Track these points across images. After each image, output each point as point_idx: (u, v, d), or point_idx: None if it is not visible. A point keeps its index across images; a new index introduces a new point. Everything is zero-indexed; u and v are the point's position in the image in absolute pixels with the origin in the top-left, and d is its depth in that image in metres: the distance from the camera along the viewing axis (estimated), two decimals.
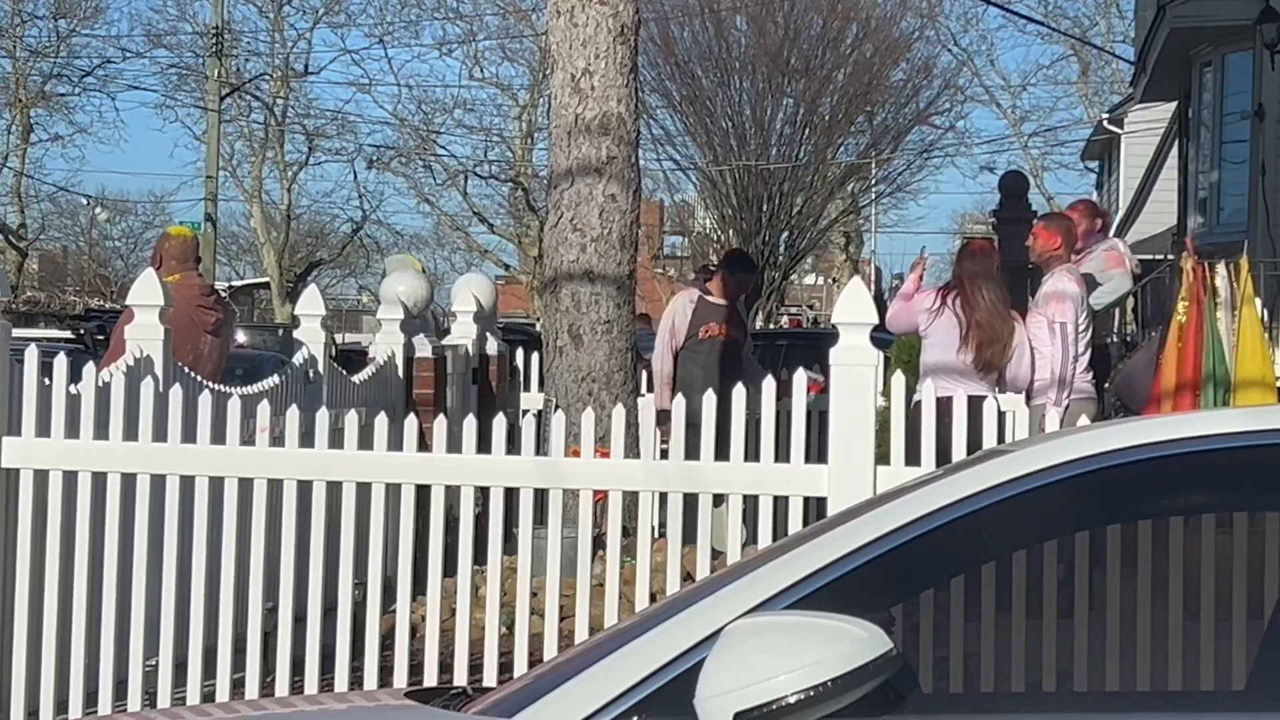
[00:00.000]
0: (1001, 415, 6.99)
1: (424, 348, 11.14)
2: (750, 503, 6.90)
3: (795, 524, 6.75)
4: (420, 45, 67.84)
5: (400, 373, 11.00)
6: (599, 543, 7.37)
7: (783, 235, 37.23)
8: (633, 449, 8.94)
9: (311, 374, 9.67)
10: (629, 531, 7.40)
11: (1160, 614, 3.15)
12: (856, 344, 6.66)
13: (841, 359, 6.66)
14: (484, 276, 14.27)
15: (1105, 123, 35.45)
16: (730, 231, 36.52)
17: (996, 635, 3.17)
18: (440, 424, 6.93)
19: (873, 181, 41.49)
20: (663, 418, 8.28)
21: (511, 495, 6.90)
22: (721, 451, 6.77)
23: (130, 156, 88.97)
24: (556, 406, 9.82)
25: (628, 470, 6.83)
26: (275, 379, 9.18)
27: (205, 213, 42.65)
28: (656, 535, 7.41)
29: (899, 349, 12.24)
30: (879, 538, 3.19)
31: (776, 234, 36.71)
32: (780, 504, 6.77)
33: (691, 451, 6.80)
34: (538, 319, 34.88)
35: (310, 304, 10.04)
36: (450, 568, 7.01)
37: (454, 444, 6.91)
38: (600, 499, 7.20)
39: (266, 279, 50.23)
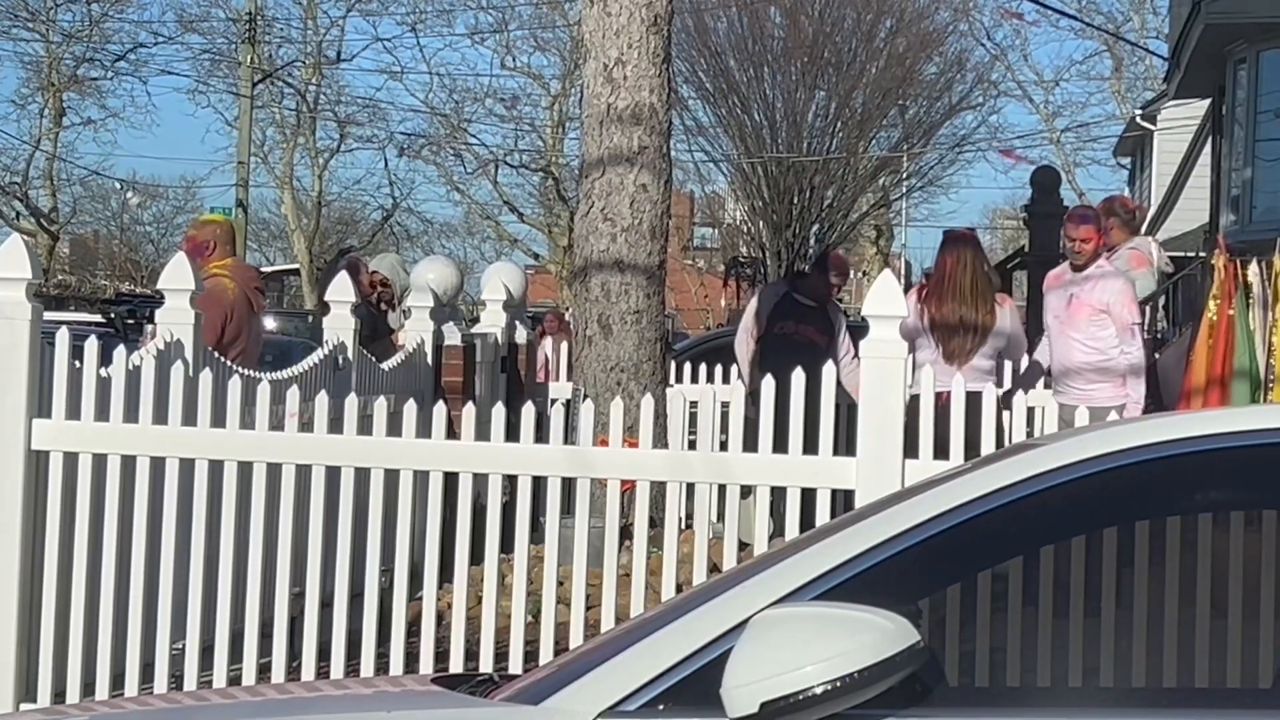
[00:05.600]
0: (973, 399, 6.93)
1: (453, 335, 11.15)
2: (778, 495, 6.89)
3: (823, 517, 6.74)
4: (453, 34, 67.77)
5: (429, 360, 11.01)
6: (626, 533, 7.36)
7: (813, 228, 37.16)
8: (660, 440, 8.94)
9: (341, 360, 9.68)
10: (656, 522, 7.40)
11: (1187, 611, 3.14)
12: (886, 337, 6.64)
13: (871, 351, 6.64)
14: (514, 265, 14.28)
15: (1138, 119, 35.31)
16: (761, 224, 36.47)
17: (1023, 629, 3.16)
18: (469, 412, 6.92)
19: (904, 175, 41.42)
20: (751, 399, 8.09)
21: (539, 484, 6.90)
22: (778, 446, 6.76)
23: (162, 141, 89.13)
24: (585, 396, 9.84)
25: (654, 461, 6.82)
26: (305, 364, 9.20)
27: (237, 198, 42.75)
28: (683, 526, 7.41)
29: None
30: (907, 530, 3.18)
31: (807, 227, 36.64)
32: (808, 496, 6.75)
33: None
34: (567, 309, 34.88)
35: (340, 290, 10.04)
36: (476, 556, 7.01)
37: (482, 432, 6.91)
38: (628, 488, 7.19)
39: (296, 265, 50.30)
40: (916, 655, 3.01)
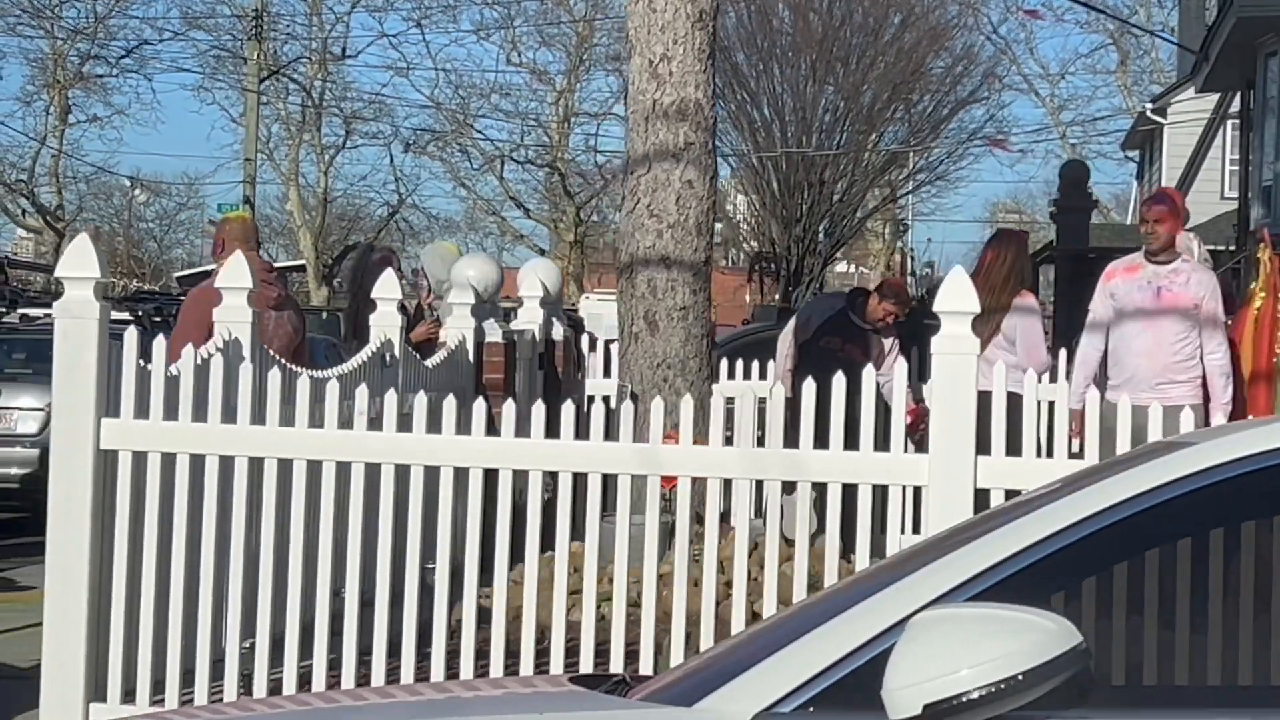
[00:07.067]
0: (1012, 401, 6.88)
1: (494, 332, 11.14)
2: (819, 490, 6.86)
3: (894, 513, 6.75)
4: (458, 30, 67.81)
5: (470, 357, 11.00)
6: (672, 530, 7.34)
7: (822, 223, 37.16)
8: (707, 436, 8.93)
9: (388, 358, 9.66)
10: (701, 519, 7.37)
11: None
12: (958, 333, 6.64)
13: (943, 348, 6.64)
14: (549, 262, 14.27)
15: (1149, 112, 35.30)
16: (770, 219, 36.46)
17: (1180, 628, 3.15)
18: (538, 410, 6.92)
19: (912, 170, 41.42)
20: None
21: (579, 480, 6.89)
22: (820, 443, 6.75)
23: (166, 139, 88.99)
24: (632, 393, 9.83)
25: (726, 458, 6.82)
26: (355, 362, 9.18)
27: (244, 195, 42.72)
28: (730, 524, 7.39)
29: None
30: (1062, 530, 3.18)
31: (816, 222, 36.63)
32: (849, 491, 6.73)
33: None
34: (575, 305, 34.84)
35: (386, 288, 10.02)
36: (518, 554, 7.01)
37: (522, 429, 6.89)
38: (670, 486, 7.17)
39: (301, 262, 50.25)
40: (1079, 657, 3.00)
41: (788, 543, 7.20)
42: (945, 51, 39.36)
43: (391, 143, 49.60)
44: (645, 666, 6.73)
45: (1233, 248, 17.90)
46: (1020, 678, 2.97)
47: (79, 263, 6.95)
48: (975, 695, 2.98)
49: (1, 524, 15.85)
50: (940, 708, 2.99)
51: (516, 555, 7.00)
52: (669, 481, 7.09)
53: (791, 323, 12.27)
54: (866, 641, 3.14)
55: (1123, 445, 6.58)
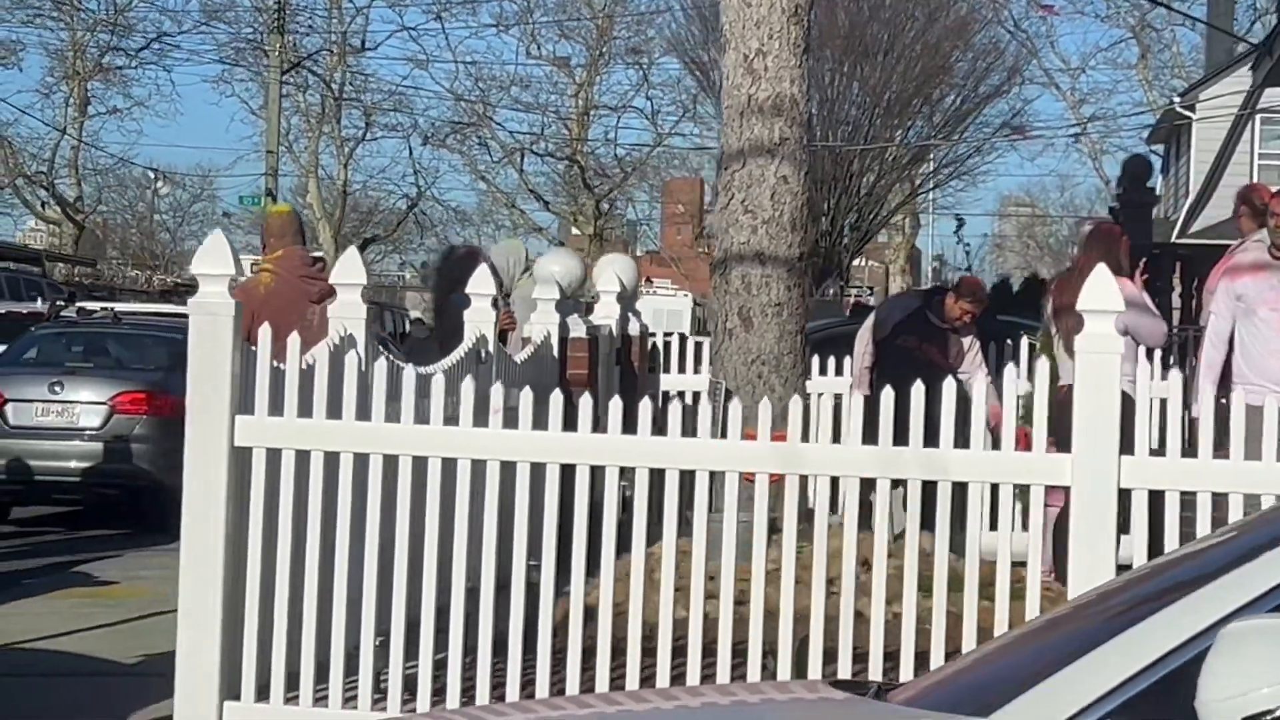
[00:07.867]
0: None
1: (578, 328, 11.10)
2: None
3: (1037, 514, 6.72)
4: (479, 24, 67.65)
5: (554, 353, 10.96)
6: (774, 526, 7.30)
7: (849, 218, 37.14)
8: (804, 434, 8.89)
9: (483, 354, 9.63)
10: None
11: None
12: (1102, 332, 6.61)
13: (1087, 346, 6.61)
14: (626, 257, 14.22)
15: (1177, 106, 35.23)
16: None
17: None
18: (675, 410, 6.89)
19: (936, 165, 41.40)
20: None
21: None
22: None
23: (184, 130, 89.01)
24: (727, 391, 9.78)
25: (865, 456, 6.78)
26: (454, 358, 9.15)
27: (266, 188, 42.68)
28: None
29: (1044, 335, 12.18)
30: None
31: (843, 216, 36.61)
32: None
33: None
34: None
35: (481, 283, 9.98)
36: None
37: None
38: (750, 479, 7.12)
39: (321, 254, 50.12)
40: None
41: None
42: (969, 47, 39.33)
43: (411, 135, 49.59)
44: (784, 669, 6.72)
45: None
46: None
47: (214, 259, 6.91)
48: None
49: (61, 518, 15.84)
50: None
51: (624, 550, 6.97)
52: (751, 476, 7.05)
53: (868, 321, 12.24)
54: (1169, 652, 3.11)
55: (1235, 447, 6.54)
